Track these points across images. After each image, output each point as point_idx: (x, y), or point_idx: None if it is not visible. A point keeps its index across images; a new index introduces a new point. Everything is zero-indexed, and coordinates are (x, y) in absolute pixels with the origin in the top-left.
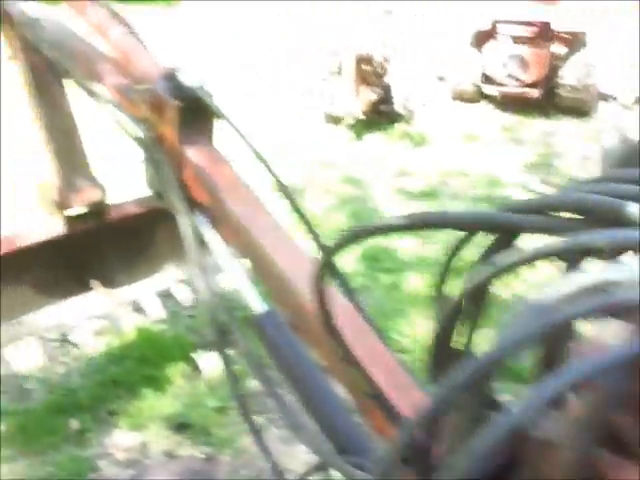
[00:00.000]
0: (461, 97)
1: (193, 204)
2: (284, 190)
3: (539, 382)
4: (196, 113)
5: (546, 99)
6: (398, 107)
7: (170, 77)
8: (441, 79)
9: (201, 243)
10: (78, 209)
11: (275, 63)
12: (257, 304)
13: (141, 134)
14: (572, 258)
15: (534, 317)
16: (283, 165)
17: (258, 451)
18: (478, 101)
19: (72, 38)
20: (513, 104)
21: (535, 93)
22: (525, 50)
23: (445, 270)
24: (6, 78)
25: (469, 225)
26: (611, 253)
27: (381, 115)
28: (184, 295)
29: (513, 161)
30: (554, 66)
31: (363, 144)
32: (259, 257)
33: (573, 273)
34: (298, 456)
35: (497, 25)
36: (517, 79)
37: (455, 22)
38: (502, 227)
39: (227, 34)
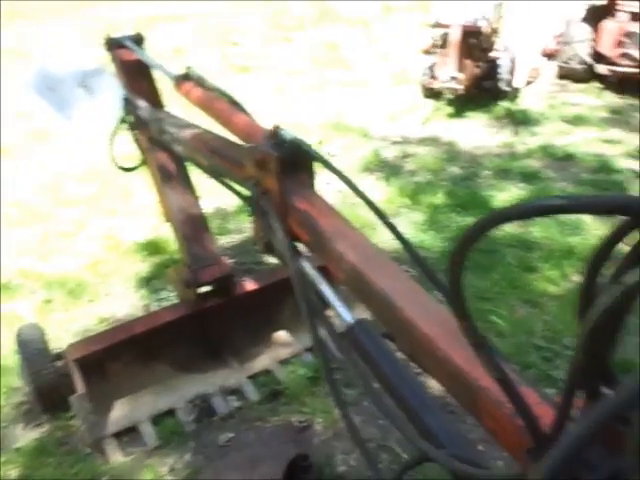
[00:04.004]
0: (570, 76)
1: (298, 250)
2: (390, 226)
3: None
4: (296, 162)
5: None
6: (502, 84)
7: (272, 135)
8: (549, 56)
9: (308, 285)
10: (208, 286)
11: (373, 38)
12: (347, 316)
13: (249, 193)
14: None
15: None
16: (380, 140)
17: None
18: (587, 81)
19: (187, 127)
20: (625, 85)
21: None
22: None
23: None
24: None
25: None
26: None
27: (484, 91)
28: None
29: (622, 146)
30: None
31: (463, 120)
32: (365, 285)
33: None
34: (392, 430)
35: (615, 0)
36: (632, 58)
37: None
38: None
39: None
